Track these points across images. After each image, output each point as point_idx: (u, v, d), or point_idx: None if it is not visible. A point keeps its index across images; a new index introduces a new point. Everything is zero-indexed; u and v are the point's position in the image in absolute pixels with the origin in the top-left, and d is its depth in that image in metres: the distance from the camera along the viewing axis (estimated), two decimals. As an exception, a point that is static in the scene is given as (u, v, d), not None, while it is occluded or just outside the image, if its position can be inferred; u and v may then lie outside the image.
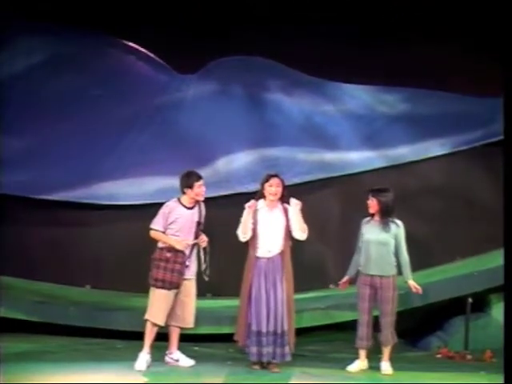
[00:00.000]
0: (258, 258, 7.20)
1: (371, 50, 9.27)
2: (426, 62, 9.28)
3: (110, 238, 9.35)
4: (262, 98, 9.76)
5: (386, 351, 7.32)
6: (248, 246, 7.31)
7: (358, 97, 9.75)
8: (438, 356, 8.20)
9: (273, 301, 7.11)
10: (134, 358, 7.33)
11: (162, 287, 7.18)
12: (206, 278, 7.32)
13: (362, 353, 7.34)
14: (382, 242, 7.20)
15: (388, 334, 7.26)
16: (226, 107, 9.68)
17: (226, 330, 8.28)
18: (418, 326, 8.75)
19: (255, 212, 7.23)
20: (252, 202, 7.23)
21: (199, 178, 7.33)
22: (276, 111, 9.71)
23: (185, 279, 7.25)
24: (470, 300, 8.30)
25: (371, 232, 7.26)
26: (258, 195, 7.32)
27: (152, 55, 9.78)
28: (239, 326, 7.30)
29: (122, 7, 9.32)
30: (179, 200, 7.33)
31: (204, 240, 7.33)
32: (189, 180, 7.29)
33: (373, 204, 7.27)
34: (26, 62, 9.57)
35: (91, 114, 9.49)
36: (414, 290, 7.32)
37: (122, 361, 7.47)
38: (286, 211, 7.26)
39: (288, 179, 9.20)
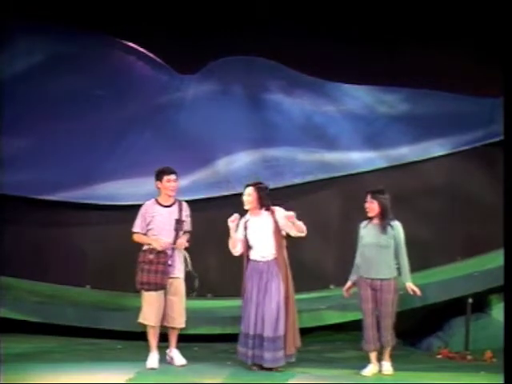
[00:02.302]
0: (252, 260, 7.22)
1: (371, 51, 9.27)
2: (426, 62, 9.28)
3: (110, 239, 9.34)
4: (262, 98, 9.77)
5: (386, 352, 7.28)
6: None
7: (359, 97, 9.75)
8: (439, 356, 8.17)
9: (262, 304, 7.08)
10: (133, 358, 7.34)
11: (149, 289, 7.18)
12: (196, 283, 7.31)
13: (373, 355, 7.24)
14: (382, 245, 7.12)
15: (388, 336, 7.20)
16: (226, 107, 9.68)
17: (226, 330, 8.28)
18: (419, 326, 8.74)
19: (246, 223, 7.27)
20: (234, 216, 7.22)
21: (170, 172, 7.32)
22: (276, 111, 9.71)
23: (171, 278, 7.24)
24: (470, 300, 8.28)
25: (371, 235, 7.17)
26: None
27: (152, 55, 9.78)
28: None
29: (122, 7, 9.32)
30: (156, 199, 7.36)
31: (182, 244, 7.29)
32: (159, 174, 7.32)
33: (373, 206, 7.16)
34: (26, 63, 9.57)
35: (91, 114, 9.49)
36: (411, 292, 7.23)
37: (122, 361, 7.48)
38: (272, 214, 7.20)
39: (288, 179, 9.31)
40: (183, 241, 7.31)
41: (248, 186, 7.29)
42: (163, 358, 7.38)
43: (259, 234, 7.19)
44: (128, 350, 7.98)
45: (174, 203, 7.35)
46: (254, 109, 9.73)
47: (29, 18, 9.37)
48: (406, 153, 9.56)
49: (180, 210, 7.33)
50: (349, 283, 7.36)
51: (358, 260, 7.30)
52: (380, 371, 7.25)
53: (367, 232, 7.21)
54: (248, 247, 7.25)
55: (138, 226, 7.31)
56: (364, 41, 9.28)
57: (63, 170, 9.34)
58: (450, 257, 9.27)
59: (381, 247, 7.13)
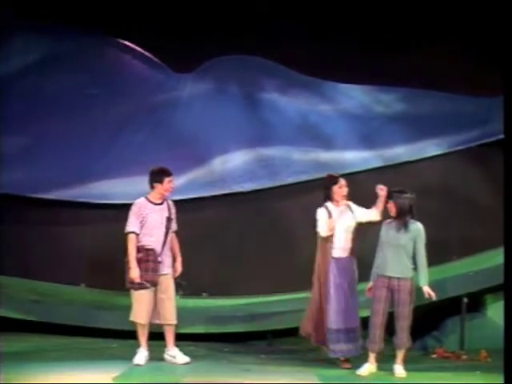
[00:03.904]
0: (335, 257, 7.31)
1: (368, 50, 9.26)
2: (424, 62, 9.28)
3: (104, 237, 9.31)
4: (258, 97, 9.76)
5: (400, 354, 7.19)
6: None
7: (355, 96, 9.75)
8: (434, 356, 8.16)
9: (353, 297, 7.29)
10: (129, 356, 7.33)
11: (140, 288, 7.21)
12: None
13: (373, 355, 7.20)
14: (400, 244, 7.10)
15: (404, 338, 7.14)
16: (222, 106, 9.68)
17: (221, 330, 8.28)
18: (414, 325, 8.72)
19: (330, 215, 7.30)
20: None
21: (170, 174, 7.38)
22: (272, 111, 9.70)
23: (160, 275, 7.26)
24: (465, 300, 8.29)
25: (390, 234, 7.16)
26: (325, 198, 7.41)
27: (148, 54, 9.77)
28: (313, 322, 7.37)
29: (119, 7, 9.32)
30: (146, 197, 7.38)
31: (179, 269, 7.40)
32: (160, 175, 7.35)
33: (390, 206, 7.19)
34: (23, 62, 9.56)
35: (87, 113, 9.49)
36: (426, 295, 7.17)
37: (118, 359, 7.47)
38: (349, 207, 7.39)
39: (283, 178, 9.29)
40: (179, 267, 7.41)
41: (339, 177, 7.40)
42: (157, 357, 7.39)
43: (344, 226, 7.32)
44: (124, 348, 7.96)
45: (163, 201, 7.40)
46: (250, 108, 9.73)
47: (26, 16, 9.37)
48: (402, 152, 9.55)
49: (169, 209, 7.39)
50: (370, 283, 7.27)
51: (377, 259, 7.28)
52: (376, 371, 7.24)
53: (387, 231, 7.21)
54: (327, 240, 7.31)
55: (133, 225, 7.28)
56: (361, 40, 9.27)
57: (59, 168, 9.33)
58: (445, 256, 9.25)
59: (398, 246, 7.10)
